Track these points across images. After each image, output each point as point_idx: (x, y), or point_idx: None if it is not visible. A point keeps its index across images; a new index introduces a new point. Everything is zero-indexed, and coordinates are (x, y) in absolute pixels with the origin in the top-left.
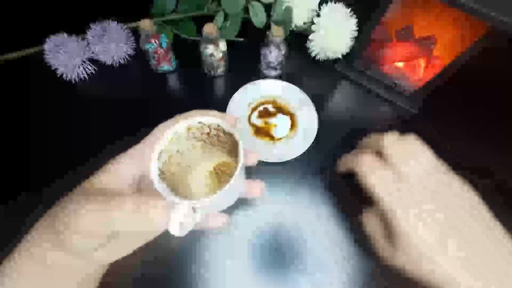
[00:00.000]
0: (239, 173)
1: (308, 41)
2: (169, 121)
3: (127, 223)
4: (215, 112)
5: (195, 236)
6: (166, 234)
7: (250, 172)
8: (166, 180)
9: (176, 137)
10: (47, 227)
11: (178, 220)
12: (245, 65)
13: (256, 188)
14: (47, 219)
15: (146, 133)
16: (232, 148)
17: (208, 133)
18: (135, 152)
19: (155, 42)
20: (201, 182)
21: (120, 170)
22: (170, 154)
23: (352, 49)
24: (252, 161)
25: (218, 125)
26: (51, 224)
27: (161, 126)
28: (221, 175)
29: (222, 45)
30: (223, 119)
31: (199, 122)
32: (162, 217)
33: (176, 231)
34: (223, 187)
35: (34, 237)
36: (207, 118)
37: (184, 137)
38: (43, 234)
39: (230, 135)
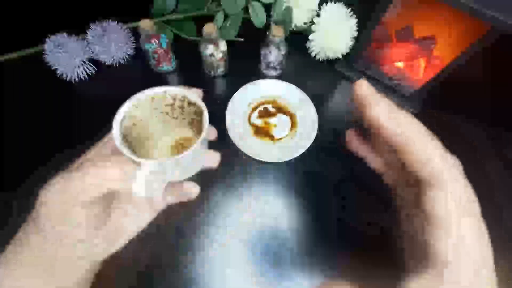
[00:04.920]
0: (202, 140)
1: (308, 41)
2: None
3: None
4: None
5: (194, 236)
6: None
7: (251, 173)
8: (129, 146)
9: (139, 103)
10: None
11: (143, 178)
12: (245, 65)
13: (215, 158)
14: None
15: None
16: (195, 122)
17: (172, 105)
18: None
19: (155, 42)
20: (162, 156)
21: (99, 146)
22: (133, 122)
23: (352, 49)
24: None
25: (183, 96)
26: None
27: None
28: (181, 150)
29: (222, 45)
30: (188, 91)
31: (164, 92)
32: (126, 172)
33: (142, 190)
34: (186, 151)
35: (29, 227)
36: (172, 88)
37: (148, 106)
38: (27, 226)
39: (195, 105)
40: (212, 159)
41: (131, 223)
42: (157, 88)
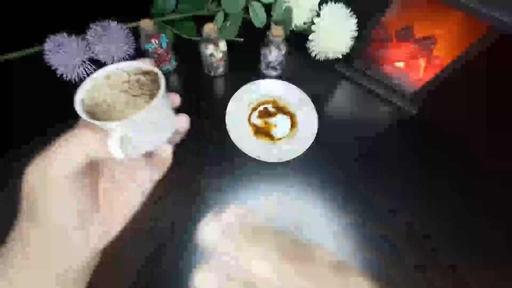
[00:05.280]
0: (162, 97)
1: (308, 41)
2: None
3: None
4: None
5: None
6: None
7: (250, 175)
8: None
9: (95, 83)
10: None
11: (117, 138)
12: (245, 65)
13: (183, 119)
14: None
15: None
16: (155, 92)
17: (128, 82)
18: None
19: (155, 42)
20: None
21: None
22: (95, 102)
23: (352, 49)
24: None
25: (136, 68)
26: None
27: None
28: None
29: (222, 45)
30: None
31: (117, 68)
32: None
33: (118, 151)
34: (147, 106)
35: (22, 218)
36: (124, 63)
37: (106, 85)
38: (21, 221)
39: (148, 72)
40: (181, 121)
41: (127, 201)
42: (109, 66)
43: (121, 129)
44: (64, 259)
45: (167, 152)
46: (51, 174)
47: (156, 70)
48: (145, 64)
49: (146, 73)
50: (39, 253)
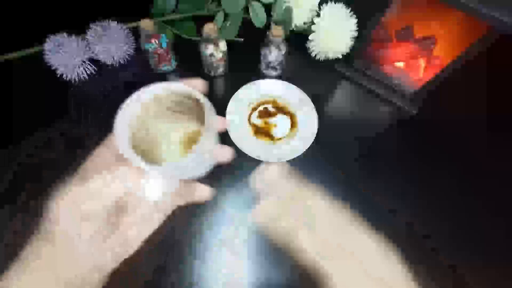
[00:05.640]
0: (206, 136)
1: (308, 41)
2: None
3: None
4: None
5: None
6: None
7: (251, 175)
8: (137, 149)
9: (142, 102)
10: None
11: (153, 183)
12: (245, 65)
13: (227, 151)
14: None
15: None
16: (201, 114)
17: (175, 101)
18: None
19: (155, 42)
20: (173, 152)
21: (102, 152)
22: (137, 123)
23: (352, 49)
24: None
25: (185, 92)
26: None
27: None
28: (192, 146)
29: (222, 45)
30: (188, 85)
31: (165, 89)
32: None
33: (152, 195)
34: (191, 152)
35: (40, 237)
36: (174, 84)
37: (151, 104)
38: (35, 239)
39: (196, 100)
40: (224, 153)
41: (139, 230)
42: (158, 84)
43: (159, 172)
44: (75, 281)
45: (203, 194)
46: (84, 210)
47: (202, 100)
48: (195, 91)
49: (193, 98)
50: (52, 271)
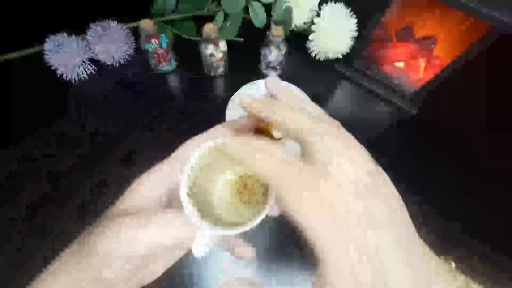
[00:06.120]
0: (266, 210)
1: (308, 41)
2: (195, 139)
3: (159, 238)
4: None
5: None
6: None
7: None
8: (193, 194)
9: (201, 158)
10: (76, 254)
11: (203, 241)
12: (245, 65)
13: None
14: (75, 248)
15: (145, 133)
16: None
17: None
18: (162, 167)
19: (155, 42)
20: (224, 192)
21: (147, 190)
22: (200, 167)
23: (352, 49)
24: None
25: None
26: (81, 252)
27: (188, 141)
28: (243, 189)
29: (222, 45)
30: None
31: (223, 143)
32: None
33: (201, 252)
34: (244, 225)
35: (61, 265)
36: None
37: (208, 154)
38: (69, 262)
39: None
40: (245, 252)
41: (163, 265)
42: (219, 139)
43: (212, 232)
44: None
45: (245, 254)
46: (114, 251)
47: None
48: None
49: None
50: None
